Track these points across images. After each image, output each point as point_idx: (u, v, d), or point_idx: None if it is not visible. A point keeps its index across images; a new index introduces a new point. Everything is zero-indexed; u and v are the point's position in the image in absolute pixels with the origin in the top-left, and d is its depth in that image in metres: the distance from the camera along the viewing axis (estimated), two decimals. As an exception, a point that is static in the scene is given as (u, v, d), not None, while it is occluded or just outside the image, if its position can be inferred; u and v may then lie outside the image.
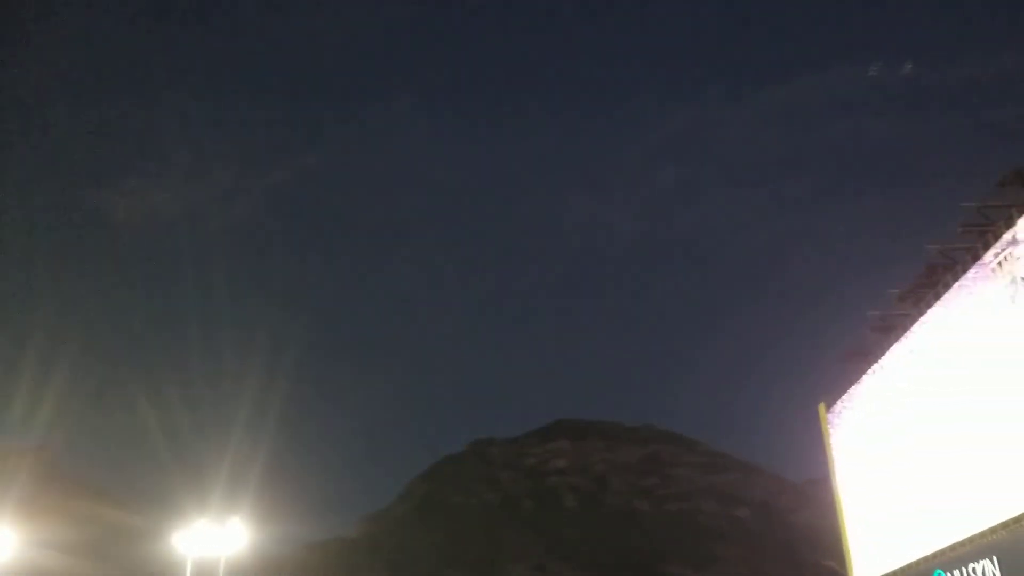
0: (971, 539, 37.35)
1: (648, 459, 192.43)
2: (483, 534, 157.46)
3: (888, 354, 46.68)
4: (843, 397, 53.14)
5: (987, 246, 35.78)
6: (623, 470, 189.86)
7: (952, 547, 38.89)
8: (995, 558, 35.12)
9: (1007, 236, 34.17)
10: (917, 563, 42.54)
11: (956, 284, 38.71)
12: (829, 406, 55.47)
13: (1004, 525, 34.71)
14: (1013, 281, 33.74)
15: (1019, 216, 33.27)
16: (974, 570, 36.71)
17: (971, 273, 37.27)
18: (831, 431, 55.29)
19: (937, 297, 40.71)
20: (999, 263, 34.85)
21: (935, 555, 40.65)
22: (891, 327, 46.50)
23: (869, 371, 49.33)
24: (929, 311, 41.66)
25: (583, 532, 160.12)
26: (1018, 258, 33.43)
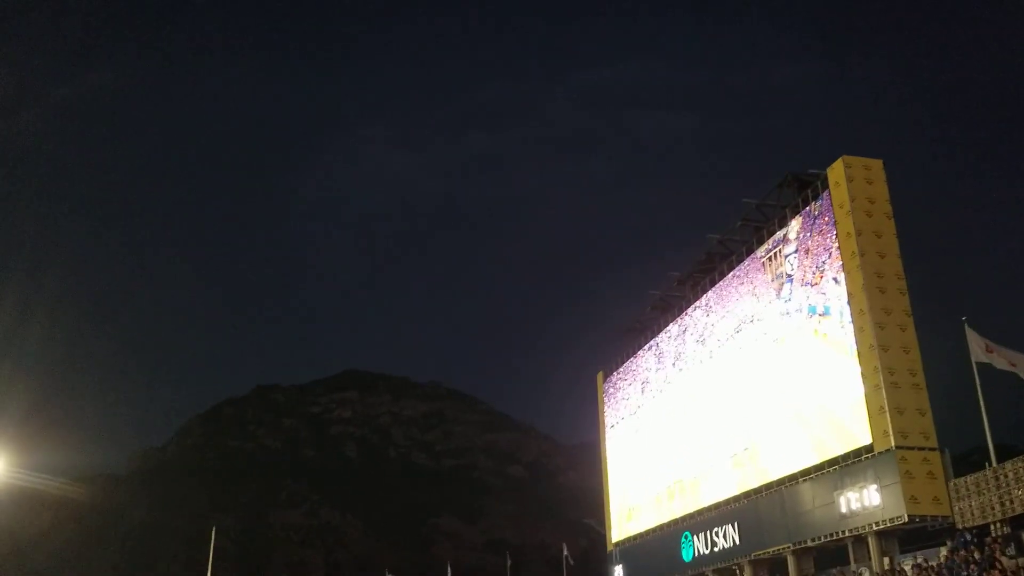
0: (716, 505, 41.00)
1: (432, 415, 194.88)
2: (259, 478, 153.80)
3: (663, 332, 49.94)
4: (619, 369, 56.33)
5: (761, 241, 38.97)
6: (407, 424, 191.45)
7: (700, 512, 42.52)
8: (736, 523, 38.75)
9: (779, 234, 37.37)
10: (667, 524, 46.15)
11: (731, 273, 41.94)
12: (607, 376, 58.61)
13: (745, 495, 38.38)
14: (780, 276, 36.99)
15: (792, 217, 36.41)
16: (717, 533, 40.32)
17: (745, 264, 40.48)
18: (605, 399, 58.49)
19: (712, 283, 43.93)
20: (769, 258, 38.08)
21: (683, 519, 44.28)
22: (668, 307, 49.80)
23: (645, 346, 52.58)
24: (704, 295, 44.93)
25: (362, 482, 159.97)
26: (786, 256, 36.66)
